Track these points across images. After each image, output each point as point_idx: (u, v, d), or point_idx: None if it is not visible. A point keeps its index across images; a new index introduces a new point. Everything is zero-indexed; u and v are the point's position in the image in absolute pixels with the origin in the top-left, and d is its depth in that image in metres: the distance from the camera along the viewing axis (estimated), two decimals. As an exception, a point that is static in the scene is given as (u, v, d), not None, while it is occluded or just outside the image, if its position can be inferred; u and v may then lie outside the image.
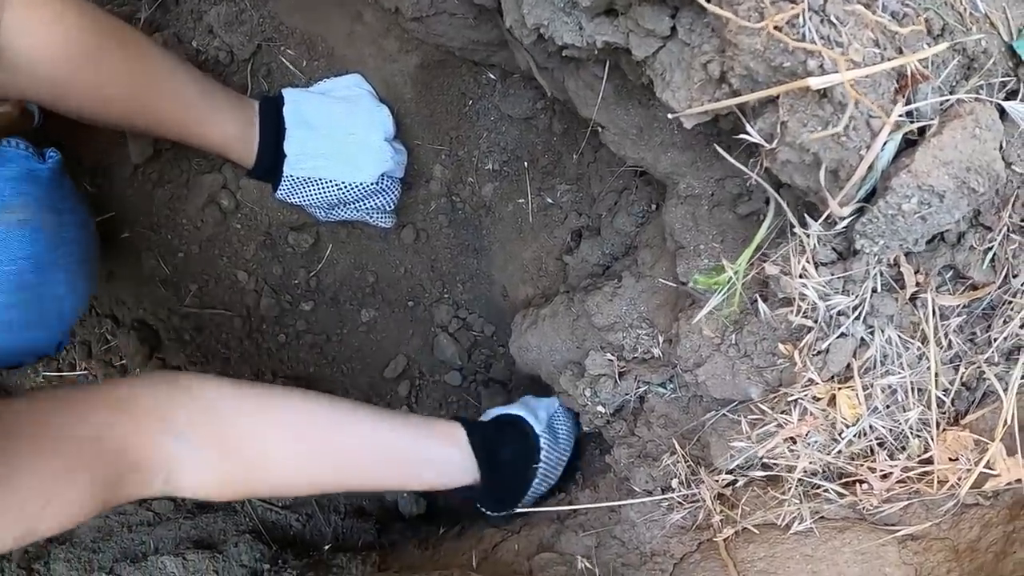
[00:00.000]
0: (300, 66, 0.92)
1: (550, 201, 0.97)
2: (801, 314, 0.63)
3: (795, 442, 0.71)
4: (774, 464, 0.74)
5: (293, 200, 0.90)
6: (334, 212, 0.93)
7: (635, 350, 0.85)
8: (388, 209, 0.95)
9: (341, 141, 0.87)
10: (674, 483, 0.83)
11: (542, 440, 0.88)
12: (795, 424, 0.68)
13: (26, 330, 0.66)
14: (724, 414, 0.77)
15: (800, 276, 0.60)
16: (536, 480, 0.88)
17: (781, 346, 0.68)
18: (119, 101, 0.73)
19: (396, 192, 0.94)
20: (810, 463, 0.71)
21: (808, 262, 0.59)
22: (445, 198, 0.99)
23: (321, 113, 0.88)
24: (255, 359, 1.06)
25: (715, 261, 0.73)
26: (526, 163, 0.95)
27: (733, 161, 0.55)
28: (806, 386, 0.67)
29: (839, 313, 0.63)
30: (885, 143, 0.49)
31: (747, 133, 0.52)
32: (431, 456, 0.79)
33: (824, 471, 0.72)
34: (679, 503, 0.83)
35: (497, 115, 0.93)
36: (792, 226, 0.60)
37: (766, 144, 0.51)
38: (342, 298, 1.06)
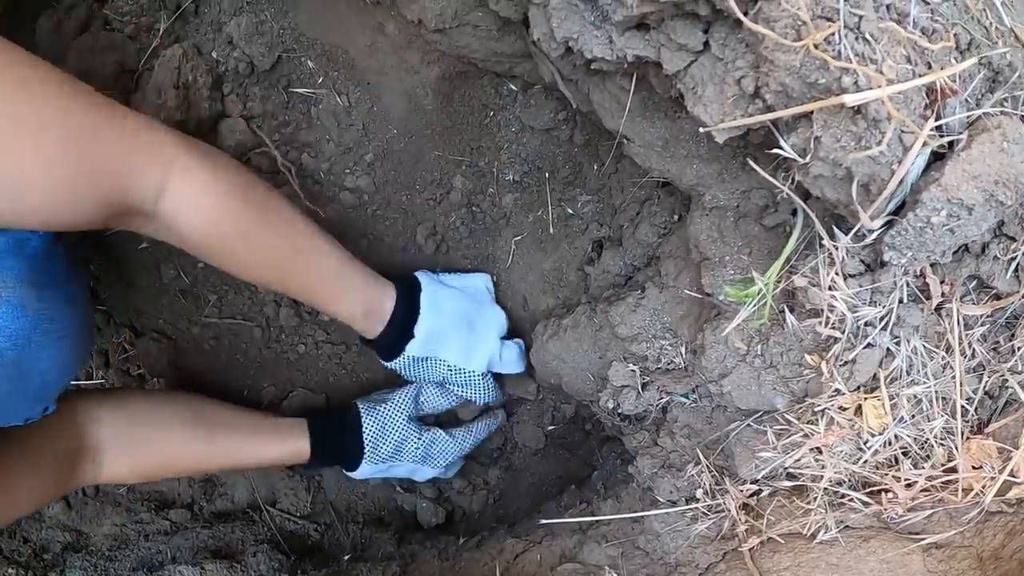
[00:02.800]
0: (320, 77, 0.94)
1: (571, 212, 0.99)
2: (829, 325, 0.65)
3: (821, 452, 0.73)
4: (800, 474, 0.76)
5: (405, 373, 0.99)
6: (430, 404, 1.06)
7: (658, 361, 0.87)
8: (484, 402, 1.04)
9: (464, 332, 0.98)
10: (698, 493, 0.84)
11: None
12: (821, 434, 0.69)
13: (5, 401, 0.67)
14: (749, 424, 0.79)
15: (829, 288, 0.62)
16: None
17: (807, 357, 0.70)
18: (262, 271, 0.81)
19: (494, 394, 1.04)
20: (836, 473, 0.72)
21: (837, 274, 0.61)
22: (465, 208, 1.00)
23: (452, 305, 0.98)
24: (274, 369, 1.08)
25: (741, 272, 0.75)
26: (547, 174, 0.97)
27: (765, 175, 0.57)
28: (832, 396, 0.69)
29: (866, 324, 0.65)
30: (916, 157, 0.51)
31: (780, 148, 0.54)
32: (264, 459, 0.98)
33: (849, 480, 0.73)
34: (704, 513, 0.84)
35: (518, 126, 0.94)
36: (821, 238, 0.61)
37: (799, 159, 0.53)
38: (361, 308, 1.07)
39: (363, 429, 0.99)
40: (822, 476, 0.73)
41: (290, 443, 0.97)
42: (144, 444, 0.90)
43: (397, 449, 1.01)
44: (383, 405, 1.02)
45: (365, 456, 0.99)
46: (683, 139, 0.72)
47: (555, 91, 0.91)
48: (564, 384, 0.99)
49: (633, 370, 0.89)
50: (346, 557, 1.02)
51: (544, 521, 0.86)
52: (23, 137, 0.58)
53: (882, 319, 0.65)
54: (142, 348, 1.03)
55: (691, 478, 0.84)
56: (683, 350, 0.85)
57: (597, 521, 0.93)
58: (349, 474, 1.03)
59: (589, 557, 0.89)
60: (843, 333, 0.65)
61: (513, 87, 0.92)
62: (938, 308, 0.67)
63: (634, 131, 0.74)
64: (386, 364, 0.99)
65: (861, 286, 0.62)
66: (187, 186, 0.70)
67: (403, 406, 1.02)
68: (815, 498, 0.75)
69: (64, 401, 0.85)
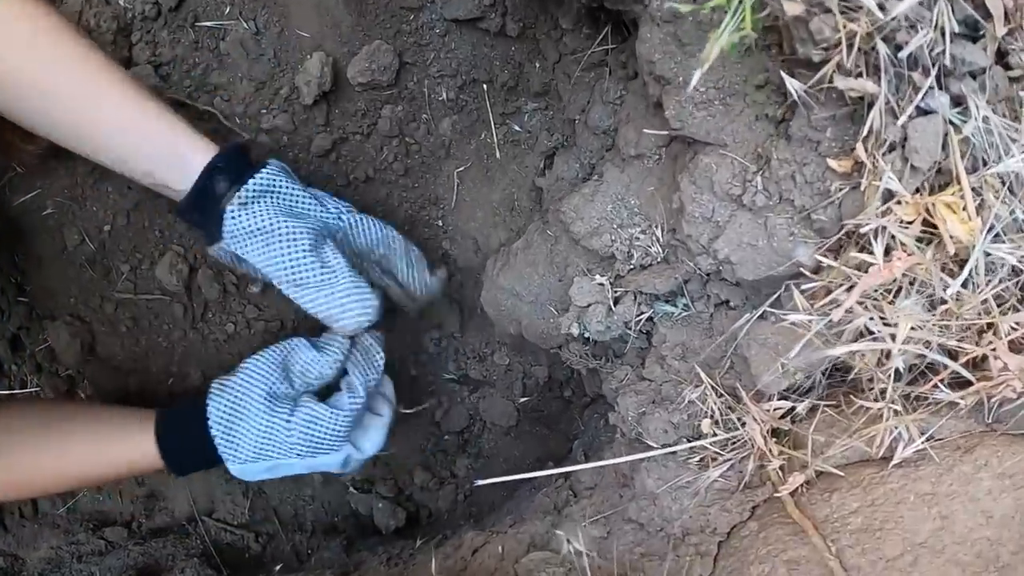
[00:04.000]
0: (228, 7, 0.74)
1: (517, 128, 0.75)
2: (854, 72, 0.36)
3: (881, 311, 0.42)
4: (851, 360, 0.44)
5: (244, 250, 0.60)
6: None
7: (629, 257, 0.58)
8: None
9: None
10: (705, 425, 0.53)
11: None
12: (880, 266, 0.39)
13: None
14: (765, 312, 0.49)
15: (842, -11, 0.34)
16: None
17: (832, 162, 0.41)
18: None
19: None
20: (907, 341, 0.41)
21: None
22: (397, 140, 0.77)
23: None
24: (201, 352, 0.82)
25: (714, 93, 0.48)
26: (484, 85, 0.74)
27: None
28: (886, 205, 0.39)
29: (910, 62, 0.36)
30: None
31: None
32: (111, 464, 0.67)
33: (929, 354, 0.42)
34: (716, 453, 0.52)
35: (443, 27, 0.73)
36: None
37: None
38: (297, 276, 0.82)
39: (208, 419, 0.61)
40: (888, 352, 0.42)
41: (135, 443, 0.64)
42: None
43: (264, 444, 0.61)
44: (234, 378, 0.63)
45: (226, 460, 0.62)
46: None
47: (478, -24, 0.69)
48: (524, 329, 0.70)
49: (601, 283, 0.60)
50: (277, 568, 0.71)
51: (479, 482, 0.54)
52: None
53: (932, 59, 0.36)
54: (53, 333, 0.80)
55: (691, 407, 0.53)
56: (659, 233, 0.56)
57: (573, 493, 0.61)
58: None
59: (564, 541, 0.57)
60: (879, 83, 0.36)
61: (431, -20, 0.70)
62: (1003, 56, 0.38)
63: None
64: (217, 247, 0.62)
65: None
66: None
67: (259, 377, 0.62)
68: (882, 391, 0.43)
69: None
